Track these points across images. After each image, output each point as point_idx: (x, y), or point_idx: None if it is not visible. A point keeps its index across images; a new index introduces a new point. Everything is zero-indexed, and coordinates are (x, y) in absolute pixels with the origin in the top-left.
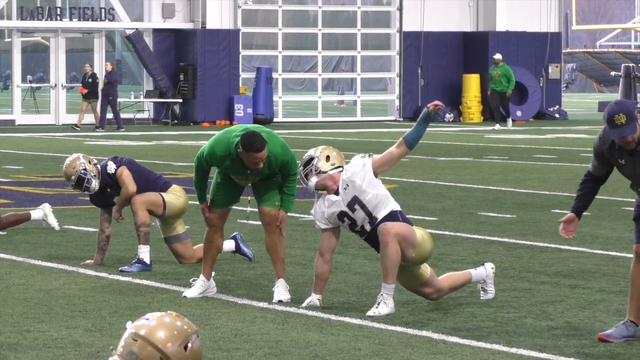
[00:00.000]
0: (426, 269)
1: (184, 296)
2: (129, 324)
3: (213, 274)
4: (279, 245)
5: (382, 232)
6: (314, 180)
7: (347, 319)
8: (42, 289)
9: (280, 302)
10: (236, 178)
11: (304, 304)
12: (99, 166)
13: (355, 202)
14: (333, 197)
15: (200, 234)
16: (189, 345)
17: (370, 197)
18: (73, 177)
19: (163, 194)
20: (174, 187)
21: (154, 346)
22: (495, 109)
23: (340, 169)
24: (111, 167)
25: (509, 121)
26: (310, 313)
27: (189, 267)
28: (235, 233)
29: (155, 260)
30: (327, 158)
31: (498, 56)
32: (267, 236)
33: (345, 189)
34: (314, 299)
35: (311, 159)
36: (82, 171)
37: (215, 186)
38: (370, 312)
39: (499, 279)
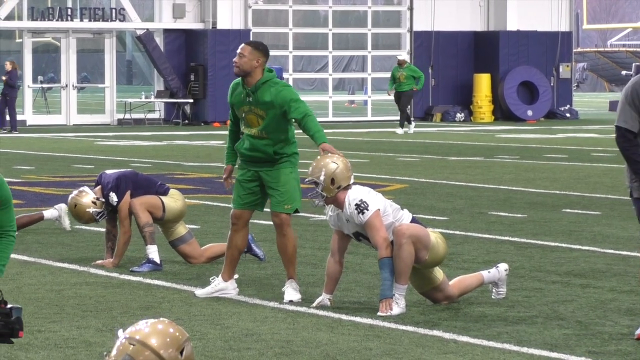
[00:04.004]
0: (439, 274)
1: (195, 295)
2: (120, 332)
3: (236, 276)
4: (290, 247)
5: (396, 233)
6: (320, 204)
7: (357, 319)
8: (53, 289)
9: (290, 302)
10: (241, 116)
11: (314, 304)
12: (102, 199)
13: (359, 235)
14: (341, 215)
15: (212, 234)
16: (184, 351)
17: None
18: (83, 221)
19: (161, 197)
20: (172, 191)
21: (152, 350)
22: (402, 111)
23: (347, 187)
24: (113, 199)
25: (401, 130)
26: (321, 313)
27: (199, 266)
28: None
29: (165, 260)
30: (332, 181)
31: (402, 57)
32: (278, 237)
33: (347, 220)
34: (325, 298)
35: (315, 183)
36: (97, 217)
37: (235, 184)
38: (381, 312)
39: (509, 278)
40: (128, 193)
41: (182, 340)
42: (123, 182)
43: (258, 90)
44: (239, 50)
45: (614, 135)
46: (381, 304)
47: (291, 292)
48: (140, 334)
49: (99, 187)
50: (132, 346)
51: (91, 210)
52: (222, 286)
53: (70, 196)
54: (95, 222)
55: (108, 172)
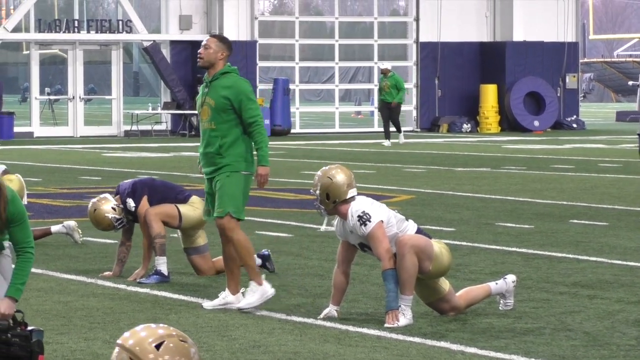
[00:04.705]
0: (445, 285)
1: (203, 307)
2: None
3: (242, 289)
4: (239, 250)
5: (398, 244)
6: (325, 214)
7: (365, 330)
8: (61, 301)
9: (240, 310)
10: (199, 113)
11: (321, 315)
12: (121, 206)
13: (363, 245)
14: (345, 225)
15: (218, 245)
16: (162, 346)
17: None
18: (101, 227)
19: (179, 205)
20: (193, 198)
21: (125, 348)
22: (384, 122)
23: (351, 199)
24: (130, 204)
25: (401, 136)
26: (328, 324)
27: (207, 278)
28: (264, 250)
29: (173, 271)
30: (327, 196)
31: (386, 66)
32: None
33: (351, 232)
34: (332, 310)
35: (315, 197)
36: (116, 224)
37: (205, 197)
38: (387, 324)
39: (517, 289)
40: (145, 198)
41: (162, 335)
42: (139, 187)
43: (215, 80)
44: (204, 42)
45: (637, 145)
46: (387, 316)
47: (245, 297)
48: (123, 336)
49: (117, 196)
50: (116, 349)
51: (110, 215)
52: (229, 299)
53: (91, 201)
54: (113, 229)
55: (125, 181)
